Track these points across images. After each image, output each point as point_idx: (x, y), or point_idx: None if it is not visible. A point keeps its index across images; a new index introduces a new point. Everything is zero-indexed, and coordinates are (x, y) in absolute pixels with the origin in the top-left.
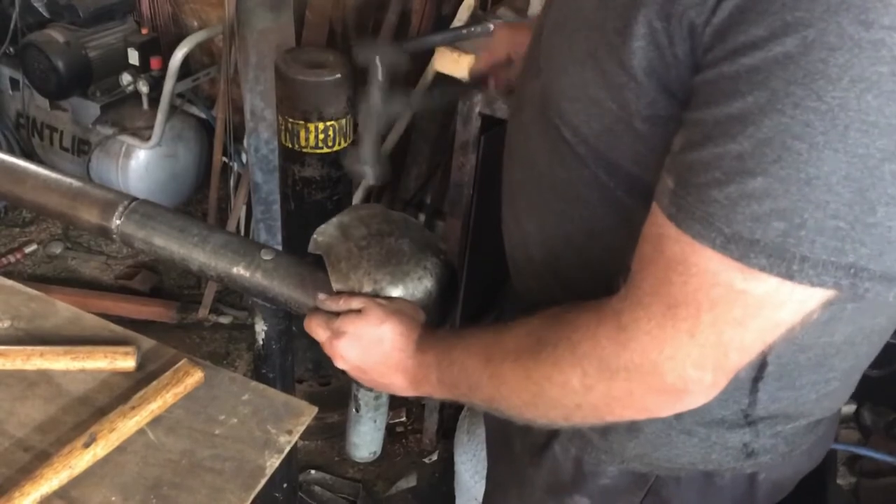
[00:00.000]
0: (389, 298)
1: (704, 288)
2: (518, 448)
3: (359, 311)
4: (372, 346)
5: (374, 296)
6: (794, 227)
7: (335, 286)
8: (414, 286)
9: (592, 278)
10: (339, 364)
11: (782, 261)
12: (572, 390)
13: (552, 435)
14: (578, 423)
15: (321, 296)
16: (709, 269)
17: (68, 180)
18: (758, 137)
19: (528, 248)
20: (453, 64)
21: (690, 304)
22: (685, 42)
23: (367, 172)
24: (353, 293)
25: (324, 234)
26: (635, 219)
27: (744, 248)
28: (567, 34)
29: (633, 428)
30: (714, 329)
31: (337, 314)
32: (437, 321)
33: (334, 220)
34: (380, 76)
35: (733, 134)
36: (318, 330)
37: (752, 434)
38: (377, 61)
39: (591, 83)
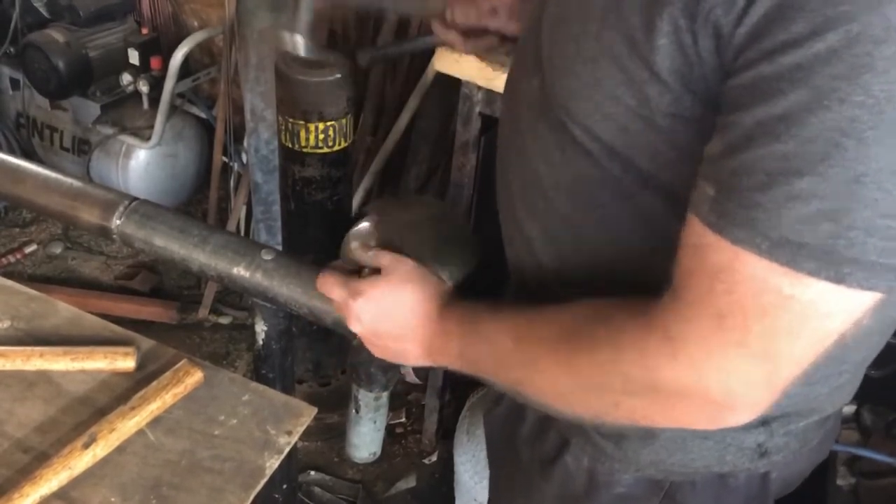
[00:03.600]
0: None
1: (751, 296)
2: (526, 458)
3: (380, 272)
4: (391, 308)
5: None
6: (843, 229)
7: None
8: (452, 260)
9: (606, 280)
10: (353, 326)
11: (831, 264)
12: (611, 391)
13: (563, 446)
14: (608, 421)
15: (353, 244)
16: (755, 275)
17: (68, 180)
18: (803, 136)
19: (532, 254)
20: (453, 64)
21: (737, 313)
22: (710, 42)
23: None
24: (384, 249)
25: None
26: (652, 217)
27: (791, 252)
28: (574, 33)
29: (648, 435)
30: (763, 339)
31: (357, 273)
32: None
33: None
34: None
35: (777, 134)
36: (334, 289)
37: (767, 434)
38: None
39: (608, 80)
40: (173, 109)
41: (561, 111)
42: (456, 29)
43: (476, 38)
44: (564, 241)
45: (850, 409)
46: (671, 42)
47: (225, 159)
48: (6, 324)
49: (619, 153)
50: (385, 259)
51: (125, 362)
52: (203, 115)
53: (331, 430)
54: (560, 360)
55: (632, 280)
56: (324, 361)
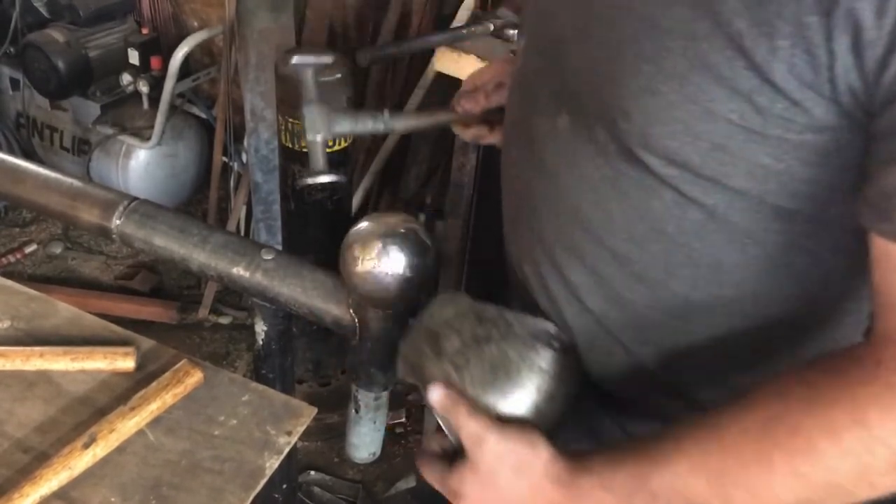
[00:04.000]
0: (504, 419)
1: None
2: None
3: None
4: (506, 489)
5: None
6: None
7: (440, 421)
8: (531, 397)
9: (699, 325)
10: None
11: None
12: (876, 473)
13: None
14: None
15: (434, 390)
16: None
17: (68, 180)
18: None
19: (578, 300)
20: (453, 64)
21: None
22: (846, 38)
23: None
24: (469, 409)
25: (411, 347)
26: (762, 244)
27: None
28: (646, 53)
29: None
30: None
31: (451, 454)
32: (564, 419)
33: (419, 322)
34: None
35: None
36: (436, 484)
37: None
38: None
39: (702, 94)
40: (173, 109)
41: (635, 141)
42: (475, 122)
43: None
44: (627, 286)
45: None
46: (793, 44)
47: (225, 159)
48: (6, 324)
49: (708, 177)
50: (465, 439)
51: (125, 362)
52: (203, 115)
53: (331, 430)
54: (789, 469)
55: (736, 326)
56: (324, 361)
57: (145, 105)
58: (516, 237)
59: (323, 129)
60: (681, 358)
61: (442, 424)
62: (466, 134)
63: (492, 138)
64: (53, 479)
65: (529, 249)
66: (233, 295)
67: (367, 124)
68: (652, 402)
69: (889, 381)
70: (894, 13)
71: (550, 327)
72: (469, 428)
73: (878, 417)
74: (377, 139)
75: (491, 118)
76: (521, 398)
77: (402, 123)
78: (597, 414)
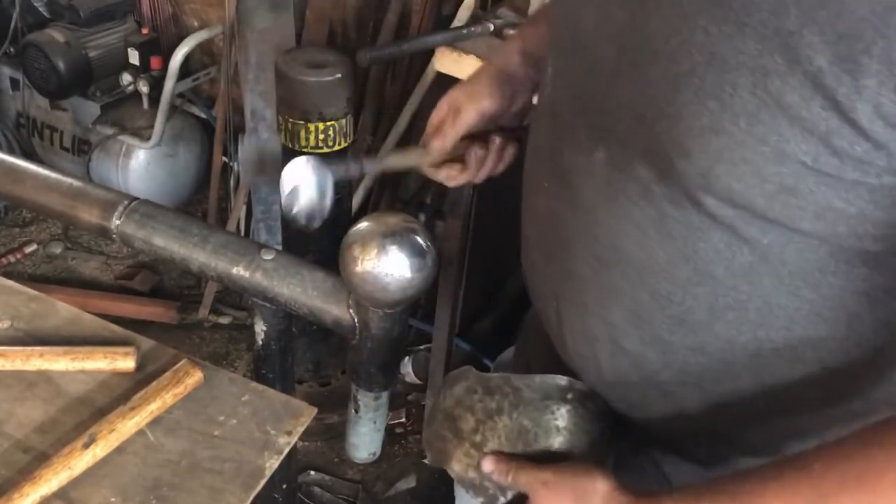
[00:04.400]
0: (562, 463)
1: None
2: None
3: None
4: None
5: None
6: None
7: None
8: (556, 458)
9: (746, 371)
10: None
11: None
12: None
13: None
14: None
15: (485, 463)
16: None
17: (68, 180)
18: None
19: (613, 342)
20: (453, 64)
21: None
22: None
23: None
24: (518, 464)
25: (433, 433)
26: (798, 285)
27: None
28: (709, 89)
29: None
30: None
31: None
32: (601, 462)
33: (436, 405)
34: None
35: None
36: None
37: None
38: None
39: (773, 135)
40: (173, 109)
41: (693, 183)
42: (446, 160)
43: (483, 162)
44: (668, 328)
45: None
46: (881, 82)
47: (225, 159)
48: (6, 324)
49: (771, 219)
50: (525, 487)
51: (125, 362)
52: (203, 115)
53: (331, 430)
54: None
55: (784, 370)
56: (324, 361)
57: (145, 105)
58: (541, 270)
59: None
60: (723, 401)
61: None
62: (439, 175)
63: (462, 178)
64: (53, 479)
65: (557, 285)
66: (233, 295)
67: (342, 172)
68: (690, 443)
69: None
70: None
71: (561, 380)
72: (525, 476)
73: None
74: (377, 139)
75: (459, 153)
76: (546, 459)
77: (376, 165)
78: (632, 453)
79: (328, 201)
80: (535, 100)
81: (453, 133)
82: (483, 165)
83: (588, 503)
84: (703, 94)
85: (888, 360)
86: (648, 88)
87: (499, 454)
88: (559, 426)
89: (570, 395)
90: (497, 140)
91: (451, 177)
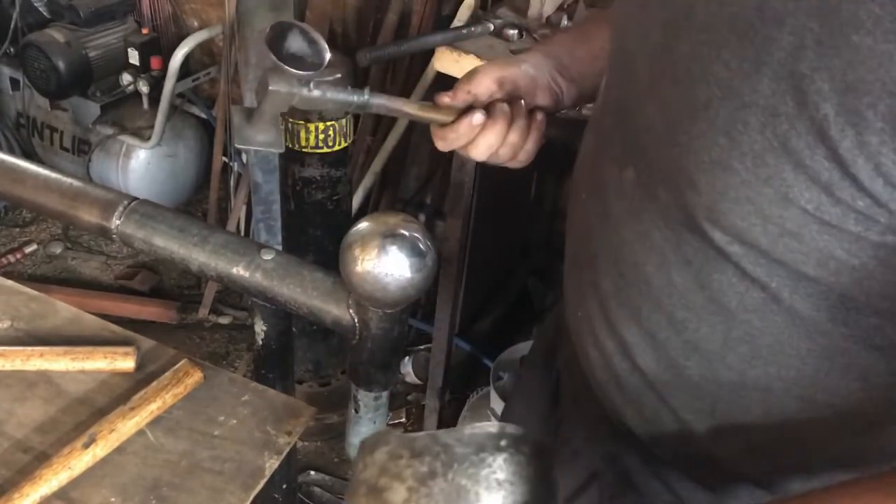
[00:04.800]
0: None
1: None
2: None
3: None
4: None
5: None
6: None
7: None
8: None
9: (754, 404)
10: None
11: None
12: None
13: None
14: None
15: None
16: None
17: (68, 180)
18: None
19: (629, 359)
20: (453, 64)
21: None
22: None
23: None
24: None
25: None
26: (810, 329)
27: None
28: (721, 122)
29: None
30: None
31: None
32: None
33: (355, 478)
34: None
35: None
36: None
37: None
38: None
39: (777, 178)
40: (173, 109)
41: (701, 214)
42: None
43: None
44: (682, 353)
45: None
46: (883, 141)
47: (225, 159)
48: (6, 324)
49: (776, 260)
50: None
51: (125, 362)
52: (203, 115)
53: (331, 430)
54: None
55: (794, 409)
56: (324, 361)
57: (145, 105)
58: (573, 280)
59: (291, 87)
60: (733, 431)
61: None
62: (457, 129)
63: (483, 137)
64: (53, 479)
65: (584, 296)
66: (233, 295)
67: (341, 95)
68: (702, 470)
69: None
70: None
71: (492, 428)
72: None
73: None
74: (377, 139)
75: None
76: None
77: (381, 103)
78: (641, 472)
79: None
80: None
81: (464, 89)
82: (505, 126)
83: None
84: (715, 129)
85: None
86: (670, 114)
87: None
88: (499, 479)
89: (503, 443)
90: (521, 104)
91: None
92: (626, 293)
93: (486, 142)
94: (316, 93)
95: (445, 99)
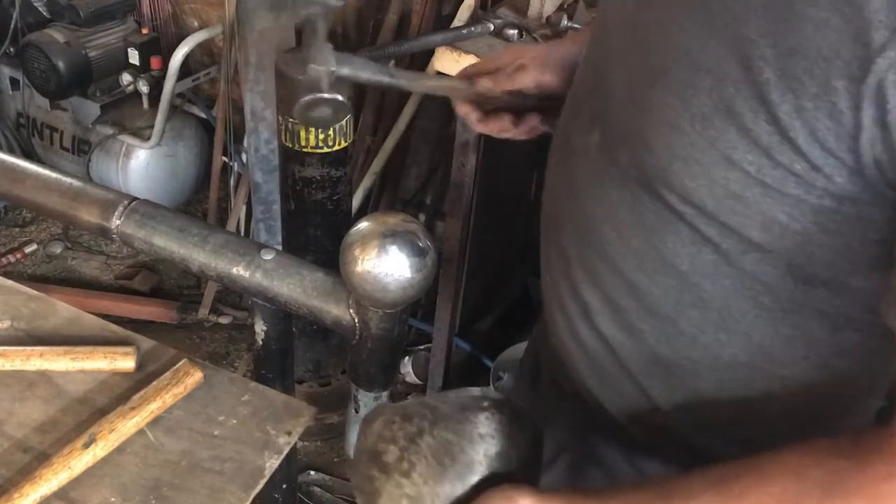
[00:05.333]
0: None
1: None
2: None
3: None
4: None
5: None
6: None
7: None
8: (487, 465)
9: (704, 368)
10: None
11: None
12: None
13: None
14: None
15: None
16: None
17: (68, 180)
18: None
19: (590, 323)
20: (453, 64)
21: None
22: (873, 111)
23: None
24: None
25: (360, 477)
26: (758, 294)
27: None
28: (674, 85)
29: None
30: None
31: None
32: (534, 464)
33: (357, 452)
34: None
35: None
36: None
37: None
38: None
39: (722, 140)
40: (173, 109)
41: (653, 175)
42: (489, 106)
43: (516, 119)
44: (638, 316)
45: None
46: (818, 106)
47: (225, 159)
48: (6, 324)
49: (723, 223)
50: None
51: (125, 362)
52: (203, 115)
53: (331, 430)
54: None
55: (742, 378)
56: (324, 361)
57: (145, 105)
58: (543, 245)
59: (330, 63)
60: (686, 399)
61: None
62: (487, 126)
63: (512, 133)
64: (53, 479)
65: (551, 261)
66: (233, 295)
67: (372, 72)
68: (661, 442)
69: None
70: None
71: (475, 391)
72: None
73: None
74: (377, 139)
75: (490, 105)
76: (476, 470)
77: (408, 82)
78: (608, 447)
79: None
80: None
81: (508, 85)
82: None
83: None
84: (670, 91)
85: (846, 391)
86: (633, 78)
87: None
88: (481, 433)
89: (485, 404)
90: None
91: (503, 129)
92: (588, 256)
93: (500, 130)
94: (346, 70)
95: (487, 83)
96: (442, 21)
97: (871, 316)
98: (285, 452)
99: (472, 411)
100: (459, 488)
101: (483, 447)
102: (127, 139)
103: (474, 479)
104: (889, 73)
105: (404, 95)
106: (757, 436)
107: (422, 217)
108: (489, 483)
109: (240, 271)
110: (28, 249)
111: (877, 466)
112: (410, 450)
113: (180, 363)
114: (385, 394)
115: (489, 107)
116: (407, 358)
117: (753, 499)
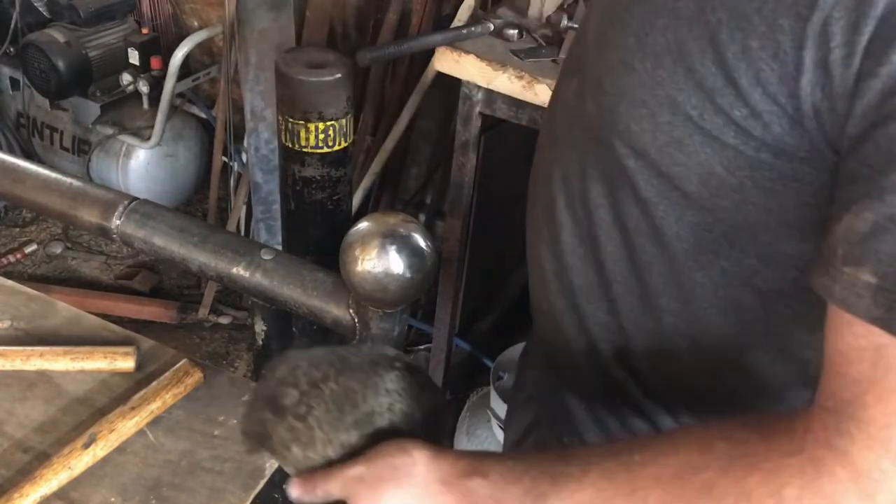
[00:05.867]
0: (371, 450)
1: None
2: None
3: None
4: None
5: (351, 456)
6: None
7: (298, 476)
8: (386, 419)
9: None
10: None
11: None
12: None
13: None
14: None
15: (291, 490)
16: None
17: (68, 180)
18: None
19: (545, 287)
20: (453, 64)
21: None
22: (816, 51)
23: None
24: (324, 472)
25: (251, 419)
26: (692, 264)
27: None
28: (635, 23)
29: None
30: None
31: None
32: (435, 433)
33: (253, 398)
34: None
35: None
36: None
37: None
38: None
39: (669, 82)
40: (173, 109)
41: (603, 114)
42: None
43: None
44: (596, 268)
45: None
46: (763, 45)
47: (225, 159)
48: (6, 324)
49: (664, 174)
50: (335, 487)
51: (125, 362)
52: (203, 115)
53: None
54: None
55: (679, 345)
56: None
57: (145, 105)
58: (528, 198)
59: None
60: (629, 354)
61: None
62: None
63: None
64: (53, 479)
65: (531, 214)
66: (233, 295)
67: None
68: (611, 390)
69: (814, 454)
70: (871, 30)
71: (389, 351)
72: (336, 482)
73: (795, 495)
74: (377, 139)
75: None
76: (376, 423)
77: None
78: (578, 409)
79: None
80: None
81: None
82: None
83: (410, 482)
84: (627, 30)
85: (782, 371)
86: (600, 21)
87: (301, 476)
88: (388, 388)
89: (397, 364)
90: None
91: None
92: (557, 206)
93: None
94: None
95: None
96: (442, 21)
97: (806, 292)
98: None
99: (384, 367)
100: (356, 437)
101: (388, 401)
102: (127, 139)
103: (372, 430)
104: (834, 11)
105: (404, 95)
106: (698, 411)
107: (422, 217)
108: (387, 435)
109: (240, 271)
110: (28, 249)
111: (783, 441)
112: (311, 394)
113: (180, 363)
114: None
115: None
116: None
117: (655, 468)
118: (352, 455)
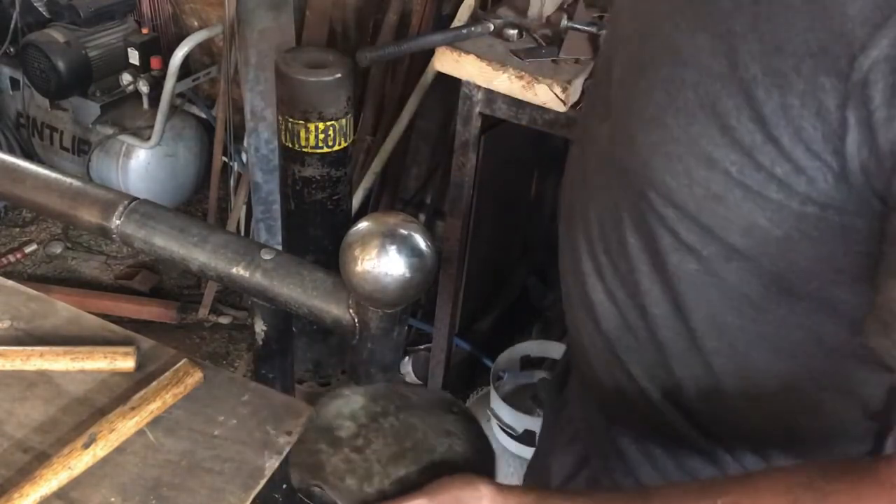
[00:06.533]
0: (432, 483)
1: None
2: None
3: None
4: None
5: (405, 491)
6: None
7: None
8: (447, 457)
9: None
10: None
11: None
12: None
13: None
14: None
15: None
16: None
17: (68, 180)
18: None
19: (586, 326)
20: (453, 64)
21: None
22: (859, 110)
23: None
24: None
25: (304, 451)
26: (742, 305)
27: None
28: (663, 77)
29: None
30: None
31: None
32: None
33: (308, 429)
34: None
35: None
36: None
37: None
38: None
39: (704, 138)
40: (173, 109)
41: (636, 167)
42: None
43: None
44: (634, 315)
45: None
46: (804, 104)
47: (225, 159)
48: (6, 324)
49: (704, 226)
50: None
51: (125, 362)
52: (203, 115)
53: None
54: None
55: (730, 387)
56: (324, 361)
57: (145, 105)
58: (560, 236)
59: None
60: (679, 401)
61: None
62: None
63: None
64: (53, 479)
65: (563, 252)
66: (233, 295)
67: None
68: (662, 429)
69: None
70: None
71: (446, 395)
72: None
73: None
74: (377, 139)
75: None
76: (434, 461)
77: None
78: (629, 449)
79: None
80: None
81: None
82: None
83: None
84: (656, 85)
85: (836, 408)
86: (625, 70)
87: None
88: (448, 429)
89: (455, 409)
90: None
91: None
92: (592, 250)
93: None
94: None
95: None
96: (442, 21)
97: (858, 338)
98: (285, 452)
99: (443, 410)
100: (414, 472)
101: (448, 441)
102: (127, 139)
103: (429, 468)
104: (870, 74)
105: (404, 95)
106: (759, 451)
107: (422, 217)
108: (445, 469)
109: (240, 271)
110: (28, 249)
111: (871, 493)
112: (370, 427)
113: (180, 363)
114: None
115: None
116: (407, 358)
117: None
118: (407, 490)
